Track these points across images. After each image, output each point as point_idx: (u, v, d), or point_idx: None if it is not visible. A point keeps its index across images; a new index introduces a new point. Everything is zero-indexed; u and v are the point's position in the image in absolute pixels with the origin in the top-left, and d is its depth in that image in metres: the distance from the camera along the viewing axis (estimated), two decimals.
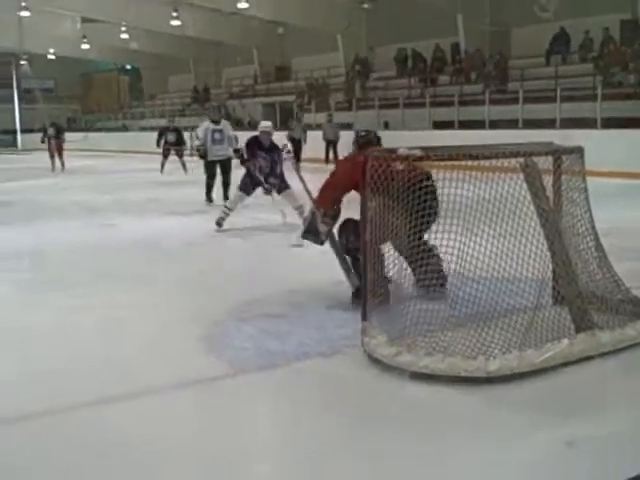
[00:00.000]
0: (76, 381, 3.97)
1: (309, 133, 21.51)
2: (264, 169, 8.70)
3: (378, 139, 5.64)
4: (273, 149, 8.87)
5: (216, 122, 11.57)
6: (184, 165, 17.82)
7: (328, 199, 5.39)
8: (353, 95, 24.51)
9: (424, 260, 4.71)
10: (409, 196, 4.56)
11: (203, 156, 11.54)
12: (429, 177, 4.89)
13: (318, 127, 22.40)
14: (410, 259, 4.79)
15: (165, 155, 18.33)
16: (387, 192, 4.43)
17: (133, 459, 3.11)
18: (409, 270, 4.81)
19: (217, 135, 11.38)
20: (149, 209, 11.62)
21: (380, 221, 4.47)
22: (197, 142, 11.70)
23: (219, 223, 8.89)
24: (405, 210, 4.58)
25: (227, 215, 8.93)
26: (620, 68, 17.63)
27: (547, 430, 3.25)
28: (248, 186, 8.89)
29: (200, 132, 11.47)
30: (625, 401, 3.59)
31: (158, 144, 18.33)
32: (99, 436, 3.32)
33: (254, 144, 8.85)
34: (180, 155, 18.29)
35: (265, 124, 9.23)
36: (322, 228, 5.36)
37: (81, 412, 3.61)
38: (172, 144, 18.19)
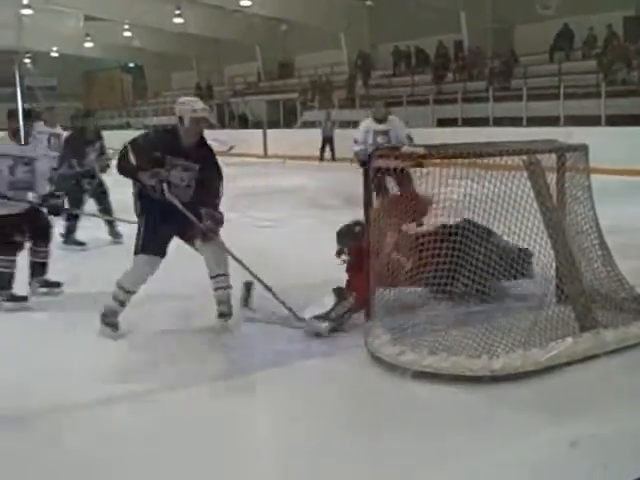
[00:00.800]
0: (69, 382, 3.97)
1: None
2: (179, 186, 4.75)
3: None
4: (201, 153, 4.84)
5: (380, 121, 8.61)
6: None
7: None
8: (354, 93, 24.48)
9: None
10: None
11: (365, 164, 8.81)
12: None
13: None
14: None
15: None
16: None
17: (135, 458, 3.12)
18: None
19: (381, 138, 8.44)
20: None
21: None
22: (356, 147, 8.57)
23: None
24: None
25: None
26: (624, 65, 17.57)
27: (551, 430, 3.24)
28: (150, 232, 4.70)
29: (359, 135, 8.64)
30: (629, 400, 3.57)
31: None
32: (95, 436, 3.33)
33: (159, 142, 4.86)
34: None
35: (192, 101, 5.00)
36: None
37: (78, 412, 3.62)
38: None
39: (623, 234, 6.72)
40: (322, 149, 21.23)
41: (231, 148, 12.43)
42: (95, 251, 7.87)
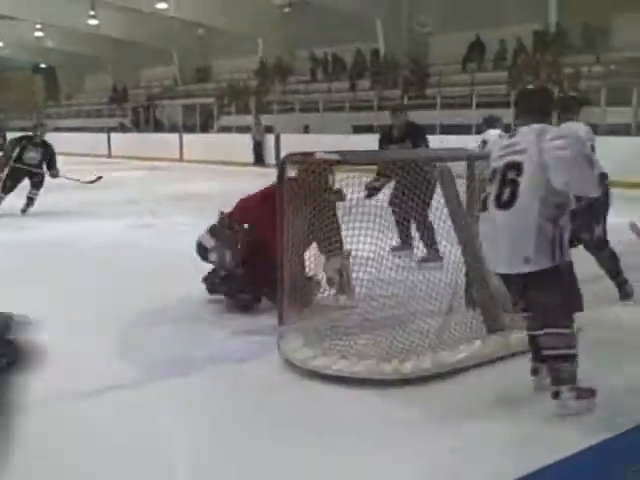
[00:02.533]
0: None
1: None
2: None
3: None
4: None
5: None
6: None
7: None
8: (263, 98, 24.51)
9: None
10: None
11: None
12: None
13: (238, 130, 22.48)
14: None
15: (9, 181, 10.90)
16: None
17: None
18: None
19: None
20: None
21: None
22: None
23: None
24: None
25: None
26: (532, 76, 18.18)
27: (454, 430, 3.33)
28: None
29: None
30: (526, 403, 3.67)
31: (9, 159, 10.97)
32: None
33: None
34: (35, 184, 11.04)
35: None
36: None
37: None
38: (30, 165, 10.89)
39: None
40: (256, 153, 21.16)
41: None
42: None
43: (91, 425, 3.46)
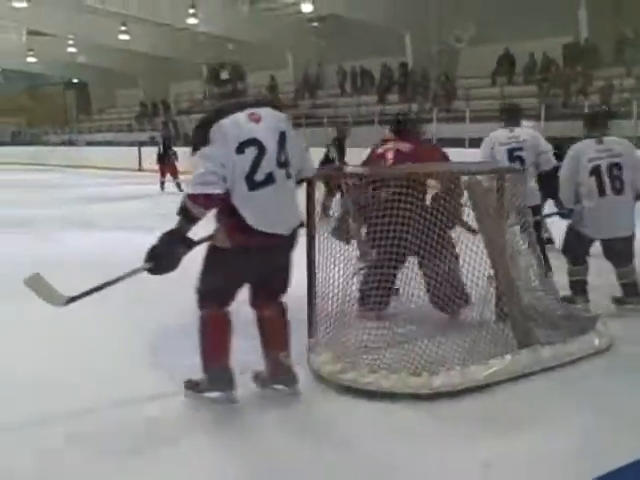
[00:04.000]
0: (12, 400, 3.88)
1: None
2: None
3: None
4: None
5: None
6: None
7: None
8: (296, 111, 24.60)
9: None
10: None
11: None
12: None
13: None
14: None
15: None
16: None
17: None
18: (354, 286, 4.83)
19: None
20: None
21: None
22: None
23: None
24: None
25: None
26: (562, 90, 18.09)
27: (485, 445, 3.29)
28: None
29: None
30: (563, 418, 3.64)
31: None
32: (35, 456, 3.26)
33: None
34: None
35: None
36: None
37: (22, 430, 3.54)
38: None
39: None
40: None
41: None
42: None
43: (110, 438, 3.49)
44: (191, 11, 24.37)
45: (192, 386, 3.85)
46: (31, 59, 33.81)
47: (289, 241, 3.69)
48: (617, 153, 5.24)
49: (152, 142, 29.11)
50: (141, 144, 27.78)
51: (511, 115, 6.26)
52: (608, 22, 17.84)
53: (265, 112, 3.61)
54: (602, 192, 5.20)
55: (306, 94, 25.99)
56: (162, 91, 34.16)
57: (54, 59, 34.77)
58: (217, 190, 3.38)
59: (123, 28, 27.65)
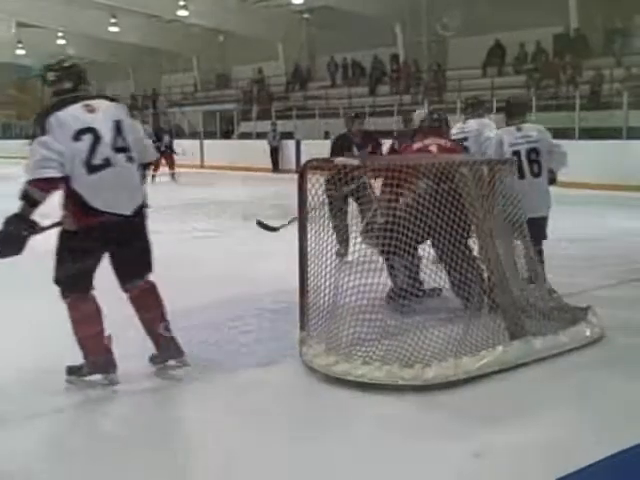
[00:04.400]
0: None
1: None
2: None
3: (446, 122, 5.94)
4: None
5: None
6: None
7: None
8: (283, 104, 24.63)
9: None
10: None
11: None
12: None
13: (259, 136, 22.60)
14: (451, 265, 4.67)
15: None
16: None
17: None
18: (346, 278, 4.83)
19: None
20: None
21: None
22: None
23: None
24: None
25: None
26: (553, 80, 18.11)
27: (475, 437, 3.31)
28: None
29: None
30: (554, 408, 3.66)
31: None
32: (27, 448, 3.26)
33: None
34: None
35: None
36: None
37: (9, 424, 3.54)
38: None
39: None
40: (272, 158, 21.45)
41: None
42: None
43: (118, 426, 3.49)
44: (181, 3, 24.27)
45: (74, 371, 3.97)
46: (20, 51, 33.58)
47: (135, 220, 3.91)
48: (534, 139, 5.54)
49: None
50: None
51: (518, 111, 5.98)
52: (598, 12, 17.85)
53: (99, 103, 3.91)
54: (522, 175, 5.41)
55: (297, 86, 25.92)
56: (153, 83, 34.04)
57: (43, 51, 34.54)
58: (53, 174, 3.62)
59: (113, 20, 27.50)
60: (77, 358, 3.94)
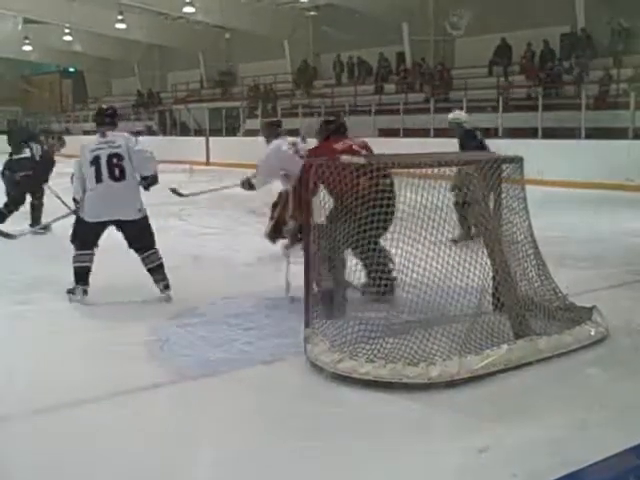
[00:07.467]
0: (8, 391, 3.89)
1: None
2: None
3: (344, 127, 5.77)
4: None
5: None
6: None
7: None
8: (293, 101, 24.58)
9: (375, 266, 4.80)
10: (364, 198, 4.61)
11: None
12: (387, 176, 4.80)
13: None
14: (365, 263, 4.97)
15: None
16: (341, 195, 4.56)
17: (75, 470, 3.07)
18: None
19: None
20: None
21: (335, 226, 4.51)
22: None
23: None
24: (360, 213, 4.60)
25: None
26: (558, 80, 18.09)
27: (480, 434, 3.31)
28: None
29: None
30: (558, 407, 3.66)
31: None
32: (33, 447, 3.27)
33: None
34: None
35: None
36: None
37: (15, 423, 3.55)
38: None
39: (555, 244, 6.90)
40: None
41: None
42: None
43: (119, 424, 3.50)
44: (188, 0, 24.25)
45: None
46: (27, 47, 33.62)
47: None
48: (117, 145, 5.72)
49: (149, 131, 29.11)
50: (138, 133, 27.67)
51: None
52: (605, 11, 17.77)
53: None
54: (99, 179, 5.67)
55: (303, 84, 25.90)
56: (159, 80, 34.08)
57: (50, 47, 34.60)
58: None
59: (120, 17, 27.50)
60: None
